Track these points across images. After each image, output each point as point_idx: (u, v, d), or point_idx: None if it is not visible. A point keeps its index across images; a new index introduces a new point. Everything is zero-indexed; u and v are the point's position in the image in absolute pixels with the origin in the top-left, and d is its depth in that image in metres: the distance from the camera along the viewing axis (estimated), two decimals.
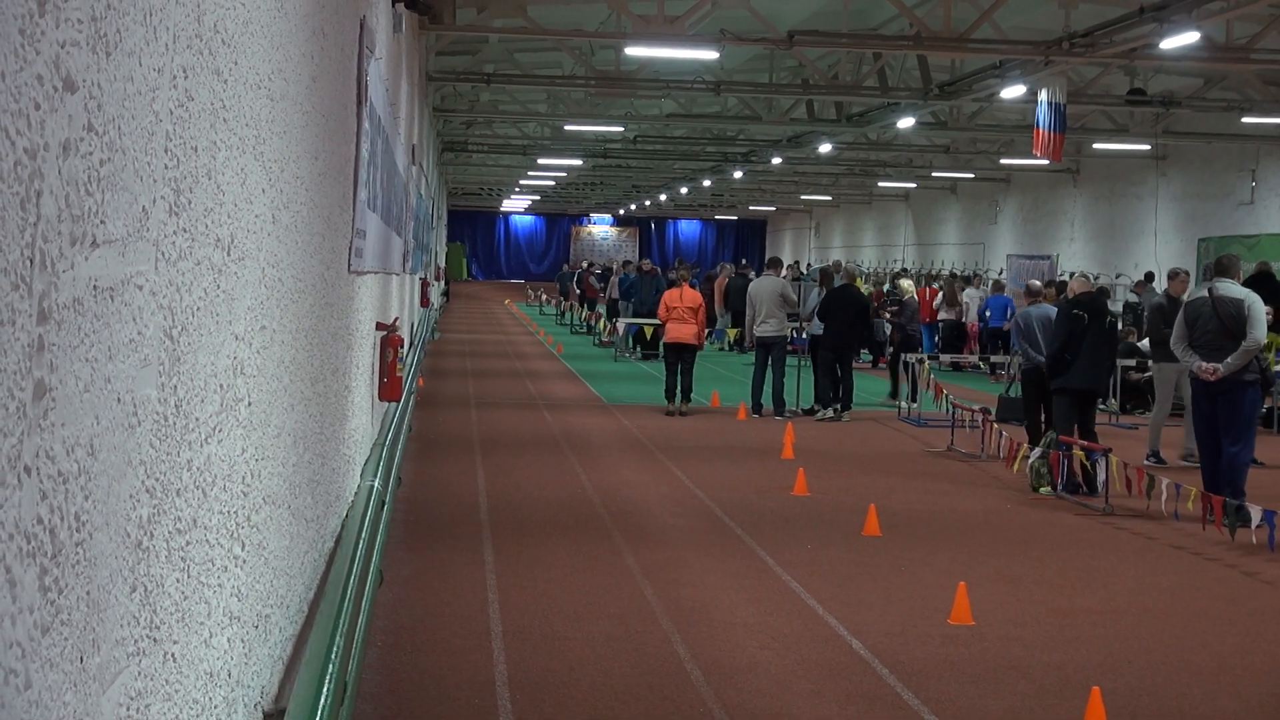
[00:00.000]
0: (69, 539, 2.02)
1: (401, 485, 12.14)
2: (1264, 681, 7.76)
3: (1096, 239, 39.54)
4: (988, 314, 29.50)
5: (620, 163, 46.69)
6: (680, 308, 19.99)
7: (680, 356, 19.97)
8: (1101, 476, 12.85)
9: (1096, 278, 31.81)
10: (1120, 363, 21.05)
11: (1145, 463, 15.36)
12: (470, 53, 27.52)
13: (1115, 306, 24.61)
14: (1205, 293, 12.69)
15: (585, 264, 52.76)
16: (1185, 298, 14.33)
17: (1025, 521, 12.37)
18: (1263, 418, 17.90)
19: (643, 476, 14.00)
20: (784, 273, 21.37)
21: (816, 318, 20.37)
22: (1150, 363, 17.59)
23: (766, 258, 23.08)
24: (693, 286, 21.51)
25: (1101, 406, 20.42)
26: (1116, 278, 35.46)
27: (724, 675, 7.40)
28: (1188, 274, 16.71)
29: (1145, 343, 22.55)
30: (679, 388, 19.92)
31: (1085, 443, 13.49)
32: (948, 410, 17.33)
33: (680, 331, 19.90)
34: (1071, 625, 8.75)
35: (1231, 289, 12.57)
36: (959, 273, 41.69)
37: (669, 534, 11.13)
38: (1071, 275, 18.04)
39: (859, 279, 36.76)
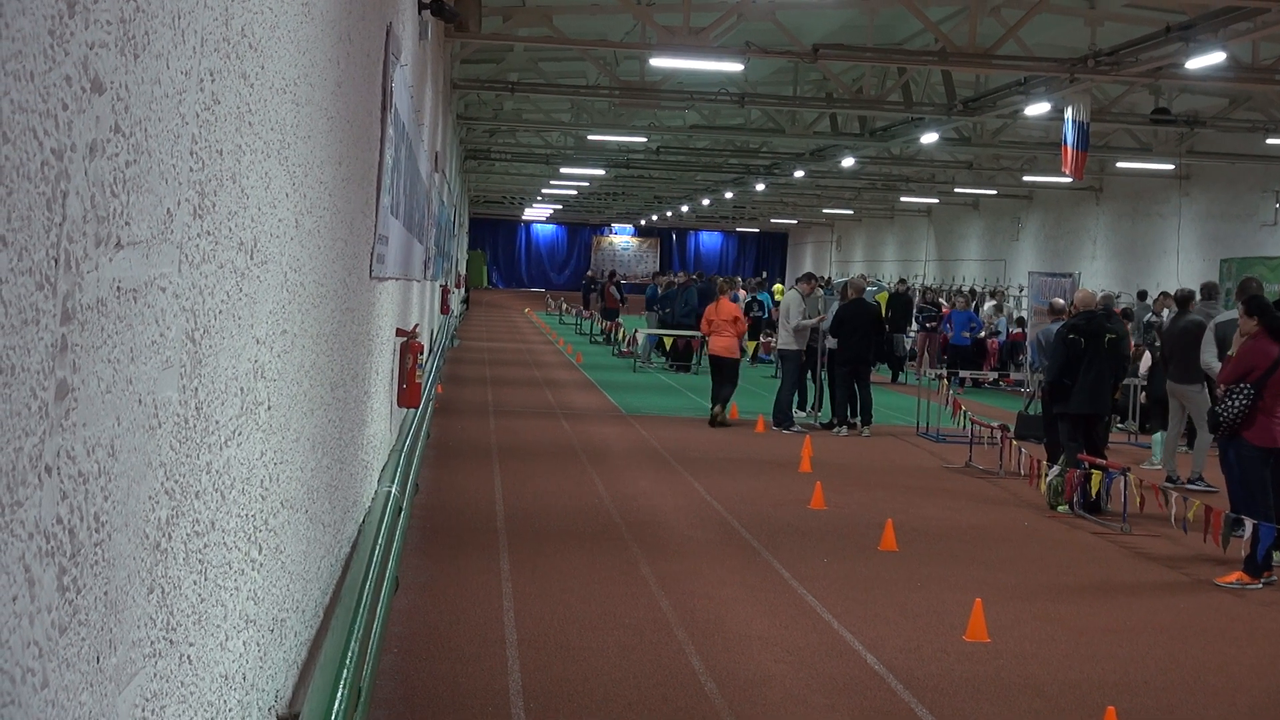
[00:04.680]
0: (88, 539, 2.02)
1: (419, 492, 12.14)
2: None
3: (1118, 257, 39.43)
4: (948, 329, 29.34)
5: (642, 173, 46.72)
6: (718, 320, 20.48)
7: (720, 368, 20.32)
8: (1120, 496, 12.81)
9: (1118, 296, 31.68)
10: (1136, 383, 20.94)
11: (1193, 487, 15.25)
12: (495, 61, 27.58)
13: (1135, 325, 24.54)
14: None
15: (607, 273, 52.70)
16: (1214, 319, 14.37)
17: (1042, 539, 12.33)
18: None
19: (660, 487, 13.99)
20: (804, 287, 21.36)
21: (829, 334, 20.37)
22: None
23: (802, 272, 23.25)
24: (734, 300, 21.85)
25: (1120, 426, 20.37)
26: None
27: (738, 688, 7.39)
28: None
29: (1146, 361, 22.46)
30: (719, 395, 20.24)
31: (1104, 461, 13.45)
32: (966, 426, 17.29)
33: (717, 344, 20.38)
34: (1088, 643, 8.72)
35: None
36: (978, 288, 41.64)
37: (685, 545, 11.12)
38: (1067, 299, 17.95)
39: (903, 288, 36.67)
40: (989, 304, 35.29)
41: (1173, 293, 16.94)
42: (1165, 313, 26.85)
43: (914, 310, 33.24)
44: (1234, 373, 11.08)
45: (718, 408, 20.01)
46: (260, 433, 3.69)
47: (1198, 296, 16.63)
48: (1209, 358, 12.88)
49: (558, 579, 9.67)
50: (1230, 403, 10.96)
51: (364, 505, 7.68)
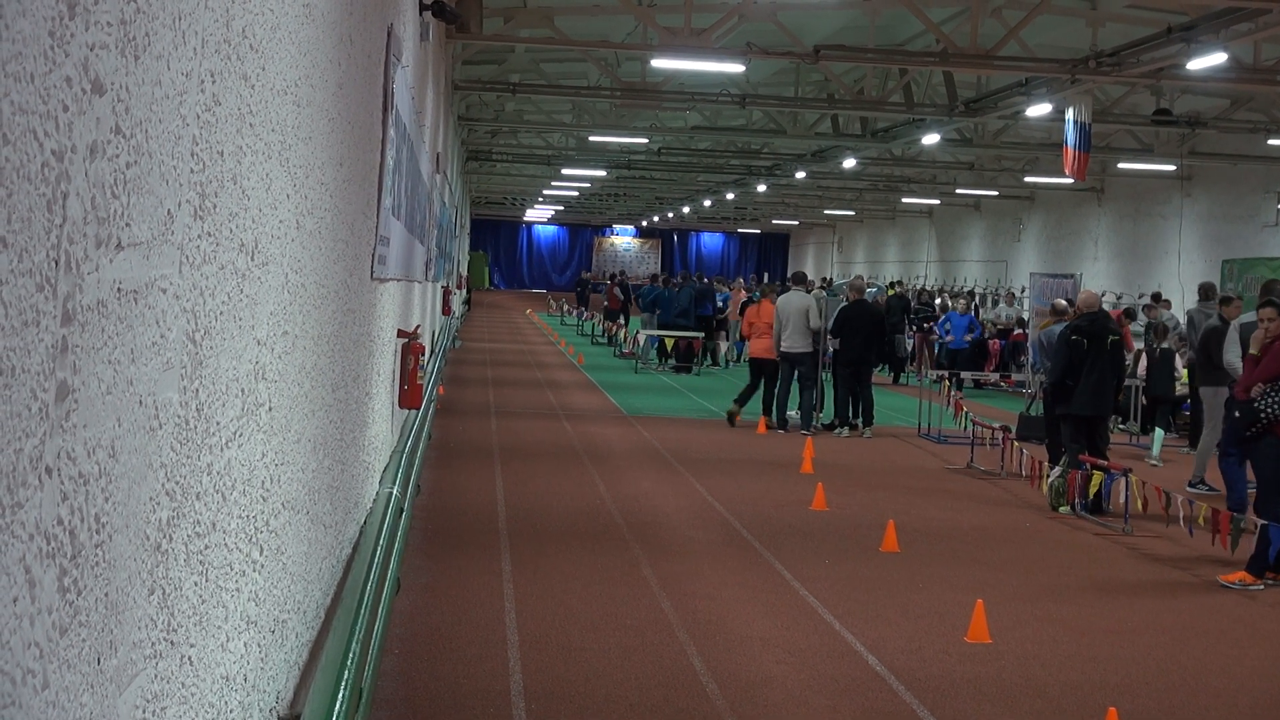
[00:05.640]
0: (89, 540, 2.02)
1: (420, 493, 12.15)
2: None
3: (1120, 258, 39.42)
4: (948, 334, 29.15)
5: (644, 174, 46.73)
6: (759, 324, 20.71)
7: (763, 371, 20.57)
8: (1122, 497, 12.81)
9: (1119, 298, 31.66)
10: (1136, 384, 20.92)
11: (1194, 489, 15.18)
12: (496, 62, 27.58)
13: (1137, 328, 24.56)
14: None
15: (609, 274, 52.69)
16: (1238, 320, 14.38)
17: (1044, 540, 12.32)
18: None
19: (661, 488, 13.99)
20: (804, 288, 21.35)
21: (831, 334, 20.36)
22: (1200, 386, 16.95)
23: (791, 273, 23.38)
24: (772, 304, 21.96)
25: (1122, 427, 20.37)
26: (1139, 298, 35.35)
27: (740, 689, 7.39)
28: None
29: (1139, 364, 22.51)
30: (746, 396, 20.52)
31: (1105, 462, 13.45)
32: (967, 428, 17.28)
33: (759, 346, 20.60)
34: (1089, 645, 8.71)
35: None
36: (980, 290, 41.59)
37: (687, 546, 11.12)
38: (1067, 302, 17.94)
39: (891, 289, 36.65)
40: (1001, 306, 35.10)
41: (1220, 294, 16.89)
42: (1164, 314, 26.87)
43: (911, 311, 33.18)
44: (1267, 372, 11.03)
45: (777, 418, 20.17)
46: (261, 434, 3.69)
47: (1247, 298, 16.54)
48: (1232, 357, 12.86)
49: (559, 580, 9.66)
50: (1272, 399, 10.93)
51: (365, 506, 7.68)
